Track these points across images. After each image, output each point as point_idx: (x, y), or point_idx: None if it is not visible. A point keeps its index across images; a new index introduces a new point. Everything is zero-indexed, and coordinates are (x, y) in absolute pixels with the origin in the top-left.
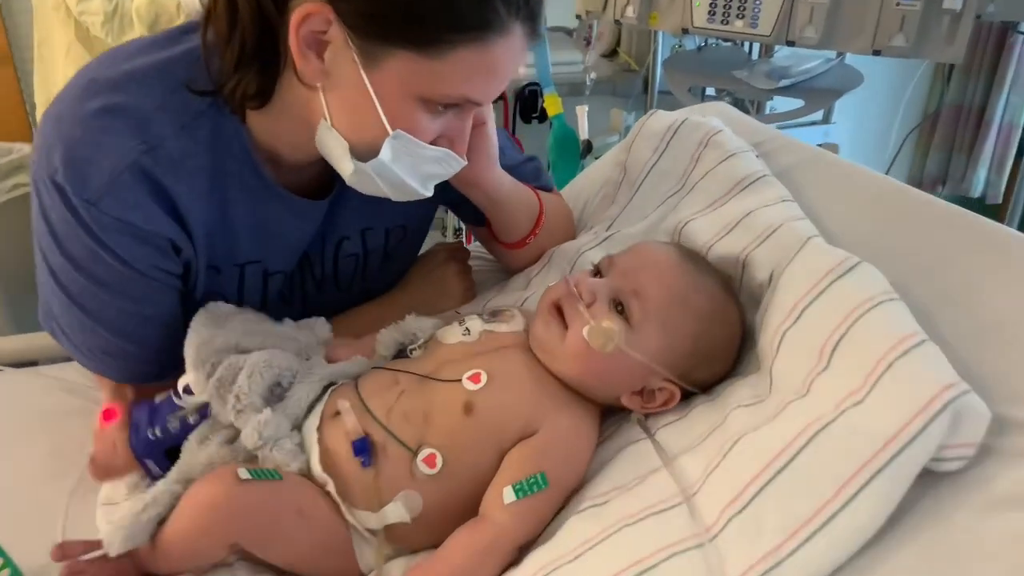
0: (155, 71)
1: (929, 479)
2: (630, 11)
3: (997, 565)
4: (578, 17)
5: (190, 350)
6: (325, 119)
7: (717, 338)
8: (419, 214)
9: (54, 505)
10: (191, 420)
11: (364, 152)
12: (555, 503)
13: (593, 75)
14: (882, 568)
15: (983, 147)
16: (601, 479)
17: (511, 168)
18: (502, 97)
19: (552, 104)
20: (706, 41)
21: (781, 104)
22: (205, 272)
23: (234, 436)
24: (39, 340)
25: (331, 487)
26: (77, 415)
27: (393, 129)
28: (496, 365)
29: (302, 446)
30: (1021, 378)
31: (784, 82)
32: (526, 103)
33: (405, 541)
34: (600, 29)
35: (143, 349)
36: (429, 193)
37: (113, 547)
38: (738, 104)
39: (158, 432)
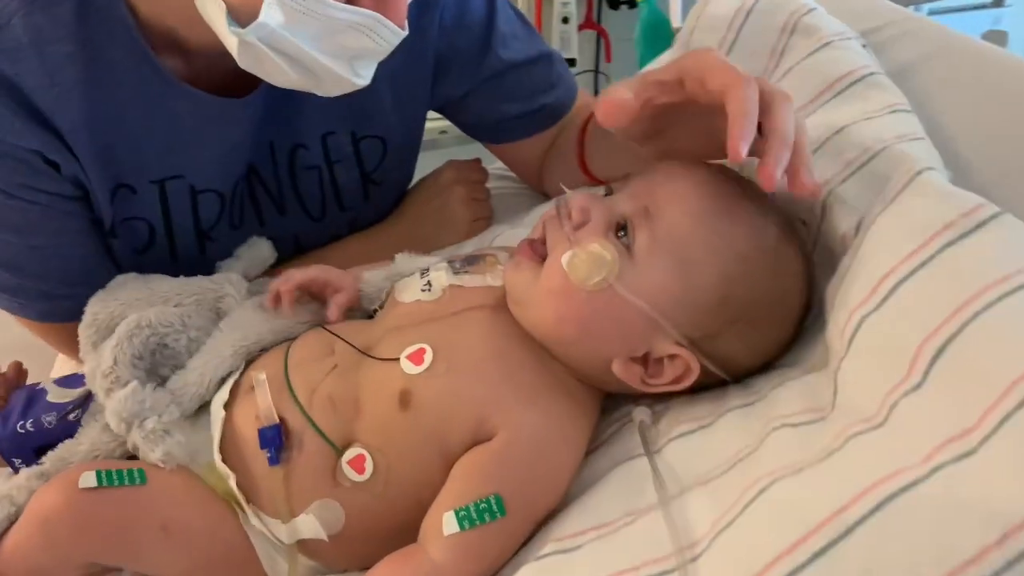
0: None
1: None
2: None
3: None
4: None
5: (81, 336)
6: None
7: (761, 293)
8: (399, 122)
9: None
10: (72, 417)
11: (252, 17)
12: (514, 537)
13: None
14: None
15: None
16: (579, 509)
17: (515, 67)
18: None
19: None
20: None
21: None
22: (114, 193)
23: None
24: None
25: (233, 483)
26: None
27: None
28: (448, 337)
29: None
30: None
31: None
32: None
33: (325, 559)
34: None
35: (45, 283)
36: (363, 80)
37: None
38: None
39: (29, 426)
